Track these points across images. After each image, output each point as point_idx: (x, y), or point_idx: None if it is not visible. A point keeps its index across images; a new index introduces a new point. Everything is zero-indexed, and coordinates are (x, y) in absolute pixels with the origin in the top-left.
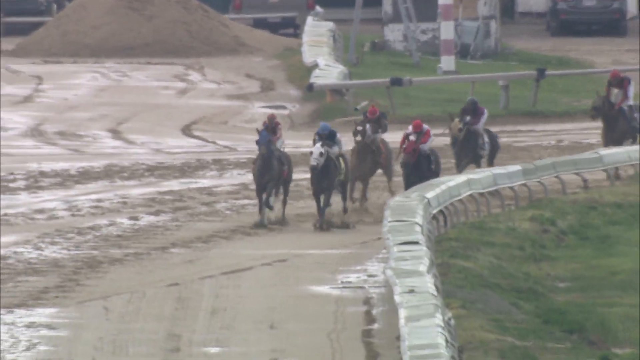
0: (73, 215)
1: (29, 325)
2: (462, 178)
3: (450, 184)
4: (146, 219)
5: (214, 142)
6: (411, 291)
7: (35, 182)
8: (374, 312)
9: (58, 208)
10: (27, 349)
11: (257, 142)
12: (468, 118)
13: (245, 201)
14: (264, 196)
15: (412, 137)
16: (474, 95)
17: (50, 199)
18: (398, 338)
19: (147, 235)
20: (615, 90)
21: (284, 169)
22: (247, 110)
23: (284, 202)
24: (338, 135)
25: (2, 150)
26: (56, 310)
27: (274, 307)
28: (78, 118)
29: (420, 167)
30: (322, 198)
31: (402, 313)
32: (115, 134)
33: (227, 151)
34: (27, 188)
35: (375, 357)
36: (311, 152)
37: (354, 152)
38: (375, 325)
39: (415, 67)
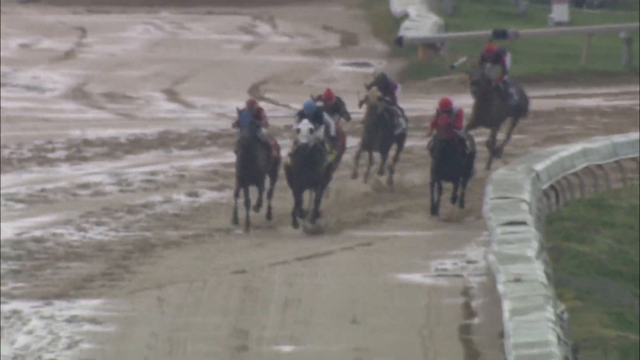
0: (122, 190)
1: (70, 320)
2: (576, 148)
3: (563, 154)
4: (207, 195)
5: (286, 105)
6: (517, 280)
7: (78, 152)
8: (474, 304)
9: (105, 182)
10: (68, 346)
11: (236, 125)
12: (387, 98)
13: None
14: (257, 195)
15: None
16: (590, 50)
17: (96, 172)
18: (502, 335)
19: (208, 215)
20: (487, 65)
21: (272, 155)
22: (324, 68)
23: (270, 193)
24: (326, 115)
25: (40, 115)
26: (102, 301)
27: (356, 298)
28: (128, 77)
29: (453, 151)
30: (312, 194)
31: (507, 305)
32: (171, 95)
33: None
34: (68, 159)
35: (475, 357)
36: (298, 130)
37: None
38: (475, 320)
39: (522, 17)
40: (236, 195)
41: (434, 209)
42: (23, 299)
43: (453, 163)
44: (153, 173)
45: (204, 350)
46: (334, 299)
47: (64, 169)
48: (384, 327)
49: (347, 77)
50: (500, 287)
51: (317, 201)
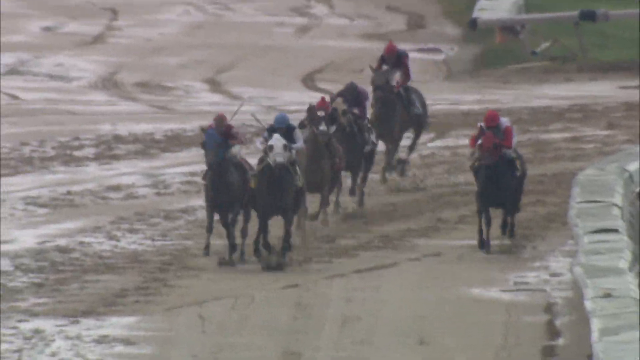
0: (159, 193)
1: (100, 340)
2: None
3: None
4: None
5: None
6: (607, 295)
7: (108, 149)
8: (558, 322)
9: (138, 184)
10: None
11: (202, 145)
12: (355, 110)
13: (386, 175)
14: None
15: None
16: None
17: (128, 172)
18: (590, 357)
19: (255, 222)
20: (385, 67)
21: (249, 180)
22: None
23: (246, 220)
24: (297, 130)
25: (65, 107)
26: (136, 319)
27: (424, 315)
28: (165, 65)
29: (501, 173)
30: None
31: (596, 324)
32: (214, 85)
33: None
34: (97, 157)
35: None
36: (271, 147)
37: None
38: (560, 341)
39: None
40: (209, 230)
41: (483, 243)
42: (46, 316)
43: (501, 188)
44: (193, 174)
45: None
46: (398, 316)
47: (92, 169)
48: (455, 348)
49: (414, 65)
50: (588, 304)
51: (287, 231)
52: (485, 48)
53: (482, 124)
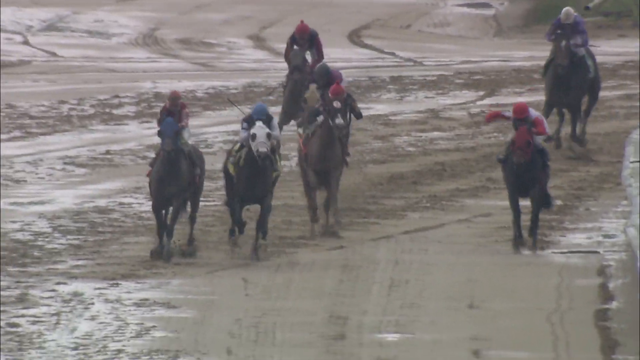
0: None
1: (140, 303)
2: None
3: None
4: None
5: (391, 54)
6: None
7: (148, 107)
8: (611, 285)
9: None
10: (138, 335)
11: (159, 133)
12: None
13: (435, 134)
14: (172, 217)
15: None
16: None
17: None
18: None
19: (297, 178)
20: (295, 48)
21: (197, 173)
22: (436, 10)
23: (193, 219)
24: (275, 120)
25: (105, 65)
26: (178, 282)
27: (473, 279)
28: (207, 21)
29: (533, 166)
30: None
31: None
32: (258, 42)
33: (409, 65)
34: (137, 116)
35: (613, 348)
36: (254, 135)
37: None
38: (613, 304)
39: None
40: (157, 213)
41: (519, 238)
42: (85, 279)
43: (532, 180)
44: (236, 133)
45: (295, 339)
46: (447, 279)
47: (133, 128)
48: (506, 312)
49: (463, 20)
50: None
51: (264, 217)
52: (536, 3)
53: (513, 115)
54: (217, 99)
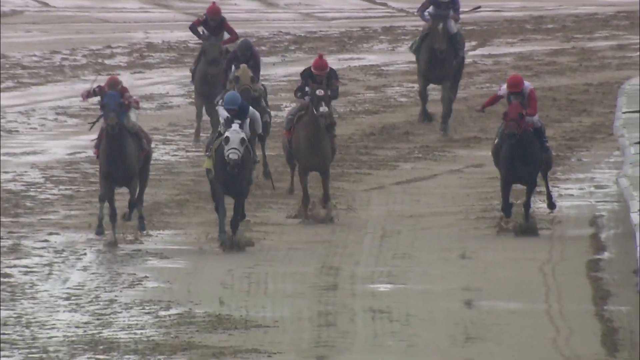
0: (192, 103)
1: (133, 254)
2: None
3: None
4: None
5: (383, 4)
6: None
7: (140, 58)
8: (603, 236)
9: (172, 94)
10: (130, 285)
11: (101, 107)
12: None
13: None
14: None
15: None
16: None
17: (162, 82)
18: (635, 271)
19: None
20: (205, 32)
21: (144, 148)
22: None
23: (140, 198)
24: (251, 109)
25: (97, 15)
26: (170, 233)
27: (465, 229)
28: None
29: (528, 145)
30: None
31: None
32: None
33: (401, 16)
34: (129, 66)
35: (604, 298)
36: (227, 139)
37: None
38: (605, 255)
39: None
40: (103, 199)
41: (508, 209)
42: (77, 229)
43: (530, 162)
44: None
45: (287, 290)
46: (439, 229)
47: (125, 78)
48: (498, 263)
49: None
50: (634, 217)
51: (240, 211)
52: None
53: (503, 87)
54: None
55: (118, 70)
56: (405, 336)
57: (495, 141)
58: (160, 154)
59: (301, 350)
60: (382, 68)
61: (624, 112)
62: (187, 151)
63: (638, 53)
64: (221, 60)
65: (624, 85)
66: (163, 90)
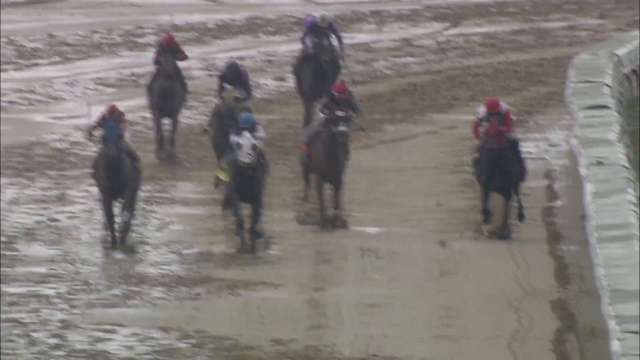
0: (211, 75)
1: (161, 201)
2: None
3: None
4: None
5: None
6: (599, 163)
7: None
8: (556, 187)
9: (193, 67)
10: (159, 229)
11: (103, 139)
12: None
13: (409, 59)
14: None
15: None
16: None
17: None
18: (583, 217)
19: (296, 100)
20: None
21: (137, 167)
22: None
23: (130, 214)
24: (260, 127)
25: (129, 0)
26: (192, 184)
27: (439, 180)
28: None
29: (506, 159)
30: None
31: (589, 188)
32: None
33: (387, 1)
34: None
35: (557, 239)
36: (239, 145)
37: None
38: (558, 203)
39: None
40: (107, 208)
41: (487, 213)
42: None
43: (508, 174)
44: (240, 58)
45: (290, 231)
46: (417, 181)
47: (152, 55)
48: (466, 208)
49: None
50: (583, 170)
51: (258, 214)
52: None
53: (482, 109)
54: (225, 30)
55: (148, 47)
56: (389, 271)
57: (475, 155)
58: (183, 117)
59: (302, 283)
60: (370, 45)
61: (574, 82)
62: (206, 115)
63: (585, 32)
64: (174, 75)
65: (574, 60)
66: (186, 64)
